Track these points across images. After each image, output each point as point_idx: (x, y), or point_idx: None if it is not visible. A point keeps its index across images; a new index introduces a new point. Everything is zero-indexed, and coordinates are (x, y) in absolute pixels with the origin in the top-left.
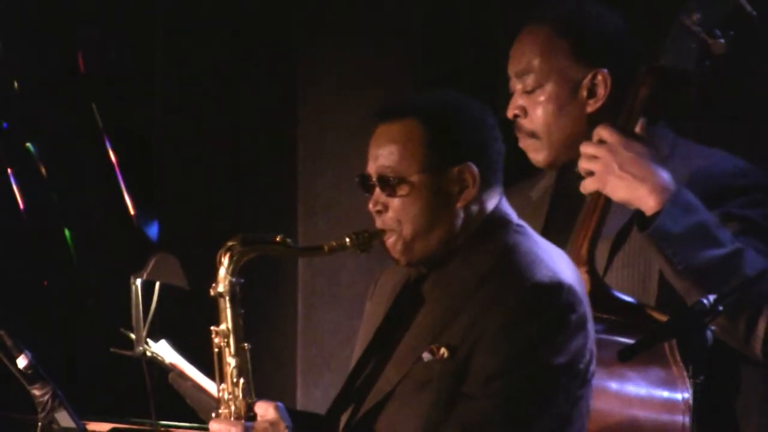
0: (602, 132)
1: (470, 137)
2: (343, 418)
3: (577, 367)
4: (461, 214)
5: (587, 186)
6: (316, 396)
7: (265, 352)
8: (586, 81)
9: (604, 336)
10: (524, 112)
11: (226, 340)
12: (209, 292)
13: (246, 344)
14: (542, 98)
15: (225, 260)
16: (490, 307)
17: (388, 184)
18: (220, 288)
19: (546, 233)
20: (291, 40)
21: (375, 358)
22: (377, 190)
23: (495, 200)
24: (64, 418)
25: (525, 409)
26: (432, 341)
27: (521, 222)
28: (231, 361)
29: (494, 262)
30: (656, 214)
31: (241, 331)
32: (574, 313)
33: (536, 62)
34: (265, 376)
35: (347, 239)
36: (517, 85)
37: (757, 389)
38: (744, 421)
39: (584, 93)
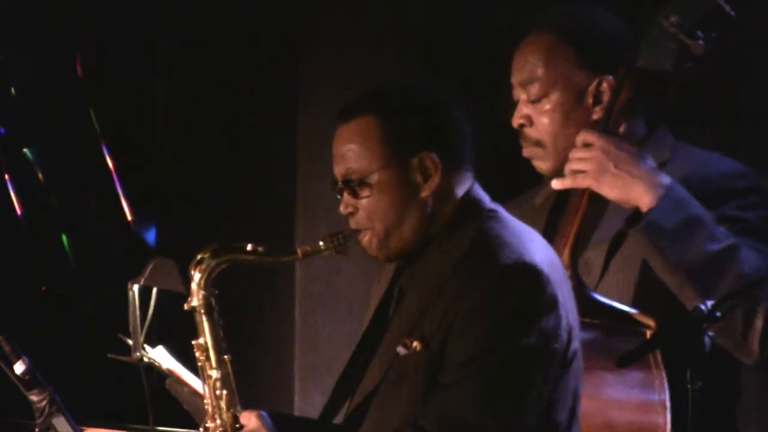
0: (587, 136)
1: (426, 125)
2: (337, 420)
3: (552, 347)
4: (430, 203)
5: (580, 182)
6: (314, 401)
7: (264, 357)
8: (592, 88)
9: (585, 338)
10: (530, 121)
11: (206, 353)
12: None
13: (227, 356)
14: (548, 107)
15: (196, 274)
16: (460, 295)
17: (353, 185)
18: (194, 302)
19: (546, 238)
20: (291, 42)
21: (363, 357)
22: (345, 193)
23: (465, 185)
24: (61, 424)
25: (498, 393)
26: (409, 335)
27: (494, 206)
28: (213, 374)
29: (466, 250)
30: (650, 210)
31: (221, 343)
32: (542, 294)
33: (540, 71)
34: (263, 382)
35: (321, 243)
36: (521, 95)
37: (756, 395)
38: (744, 425)
39: (590, 100)
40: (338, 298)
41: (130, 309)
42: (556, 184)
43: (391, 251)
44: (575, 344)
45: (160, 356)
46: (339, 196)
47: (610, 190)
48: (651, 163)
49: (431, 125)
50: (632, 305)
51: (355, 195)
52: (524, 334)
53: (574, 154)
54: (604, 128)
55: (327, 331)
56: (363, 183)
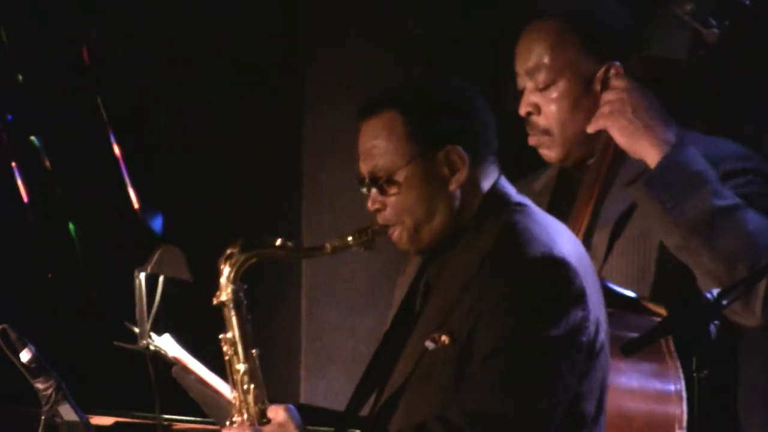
0: (618, 80)
1: (450, 118)
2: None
3: (579, 340)
4: (458, 195)
5: (601, 122)
6: (320, 388)
7: (270, 345)
8: (600, 74)
9: None
10: (537, 109)
11: (233, 347)
12: (213, 299)
13: (254, 350)
14: (555, 95)
15: (225, 268)
16: (487, 288)
17: (380, 182)
18: (223, 297)
19: None
20: (296, 38)
21: (390, 351)
22: (373, 190)
23: (492, 177)
24: (67, 412)
25: (522, 383)
26: (437, 329)
27: (522, 199)
28: (240, 368)
29: (493, 244)
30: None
31: (249, 338)
32: (569, 286)
33: (546, 59)
34: (269, 370)
35: (350, 237)
36: (527, 83)
37: (760, 384)
38: (747, 414)
39: (598, 87)
40: (343, 287)
41: (137, 297)
42: (590, 128)
43: (421, 244)
44: (602, 336)
45: (167, 344)
46: (366, 191)
47: (620, 134)
48: (667, 118)
49: (456, 118)
50: (636, 287)
51: (382, 192)
52: (551, 326)
53: (605, 97)
54: None
55: (332, 320)
56: (390, 180)
